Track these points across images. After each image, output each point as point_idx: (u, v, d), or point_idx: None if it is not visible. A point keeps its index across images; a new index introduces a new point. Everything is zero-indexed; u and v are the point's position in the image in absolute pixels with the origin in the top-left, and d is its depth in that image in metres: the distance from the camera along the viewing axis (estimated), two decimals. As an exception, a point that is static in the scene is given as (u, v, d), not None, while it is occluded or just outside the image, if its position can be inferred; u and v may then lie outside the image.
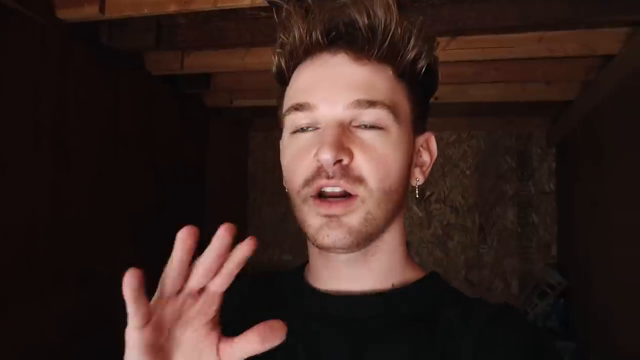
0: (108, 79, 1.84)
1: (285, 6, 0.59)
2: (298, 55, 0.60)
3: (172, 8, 1.43)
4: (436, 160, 0.66)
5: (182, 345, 0.46)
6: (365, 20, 0.56)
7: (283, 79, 0.63)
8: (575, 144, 2.59)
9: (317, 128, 0.58)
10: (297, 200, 0.58)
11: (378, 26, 0.56)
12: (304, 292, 0.64)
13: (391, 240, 0.61)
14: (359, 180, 0.55)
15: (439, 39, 0.63)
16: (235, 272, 0.44)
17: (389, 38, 0.56)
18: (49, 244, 1.52)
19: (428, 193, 3.14)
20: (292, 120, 0.59)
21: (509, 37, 1.69)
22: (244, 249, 0.43)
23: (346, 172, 0.55)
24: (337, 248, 0.55)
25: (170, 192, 2.27)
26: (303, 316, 0.61)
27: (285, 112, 0.60)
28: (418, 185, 0.64)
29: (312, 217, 0.56)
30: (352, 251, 0.57)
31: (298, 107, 0.58)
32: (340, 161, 0.54)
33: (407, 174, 0.61)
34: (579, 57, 1.83)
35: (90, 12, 1.47)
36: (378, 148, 0.56)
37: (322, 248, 0.56)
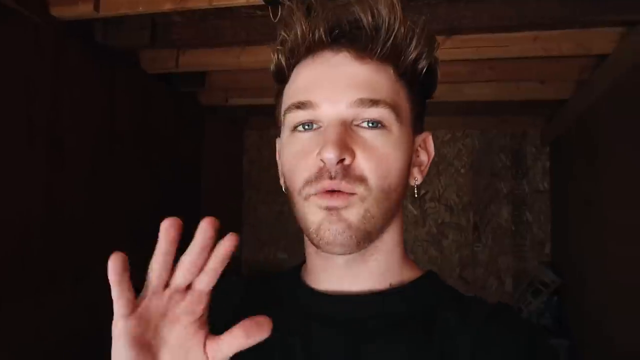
0: (103, 77, 1.83)
1: (288, 3, 0.58)
2: (299, 53, 0.59)
3: (167, 6, 1.43)
4: (433, 159, 0.67)
5: (169, 343, 0.46)
6: (370, 18, 0.56)
7: (282, 76, 0.62)
8: (570, 143, 2.60)
9: (318, 127, 0.57)
10: (297, 199, 0.58)
11: (382, 25, 0.56)
12: (302, 292, 0.64)
13: (389, 240, 0.62)
14: (360, 179, 0.55)
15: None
16: (220, 269, 0.44)
17: (392, 37, 0.56)
18: (44, 242, 1.51)
19: (423, 191, 3.15)
20: (292, 119, 0.58)
21: (504, 37, 1.70)
22: (226, 244, 0.43)
23: (347, 172, 0.54)
24: (337, 244, 0.55)
25: (166, 190, 2.27)
26: (301, 316, 0.61)
27: (286, 110, 0.59)
28: (413, 184, 0.64)
29: (313, 213, 0.56)
30: (352, 251, 0.56)
31: (299, 106, 0.57)
32: (342, 160, 0.54)
33: (407, 174, 0.61)
34: (573, 56, 1.84)
35: (85, 10, 1.46)
36: (379, 147, 0.56)
37: (323, 245, 0.56)
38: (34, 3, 1.44)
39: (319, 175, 0.55)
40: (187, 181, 2.55)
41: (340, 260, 0.59)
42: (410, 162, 0.61)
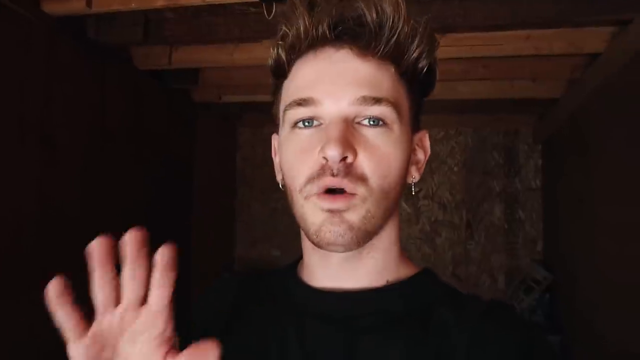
0: (95, 74, 1.82)
1: None
2: (301, 49, 0.59)
3: (160, 2, 1.42)
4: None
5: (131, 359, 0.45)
6: (374, 16, 0.56)
7: (281, 72, 0.62)
8: (561, 141, 2.62)
9: (319, 124, 0.57)
10: (298, 198, 0.57)
11: (386, 23, 0.56)
12: (298, 289, 0.64)
13: (386, 238, 0.62)
14: (362, 179, 0.55)
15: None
16: (166, 280, 0.43)
17: (395, 36, 0.56)
18: (36, 240, 1.51)
19: (416, 189, 3.15)
20: (293, 115, 0.58)
21: (497, 35, 1.71)
22: (162, 255, 0.43)
23: (349, 170, 0.54)
24: (338, 245, 0.55)
25: (158, 187, 2.26)
26: (297, 313, 0.61)
27: (287, 107, 0.59)
28: (411, 183, 0.64)
29: (314, 214, 0.56)
30: (351, 249, 0.56)
31: (301, 103, 0.57)
32: (345, 158, 0.54)
33: (405, 172, 0.61)
34: (565, 55, 1.85)
35: (77, 6, 1.45)
36: (381, 146, 0.56)
37: (323, 245, 0.56)
38: (26, -1, 1.43)
39: (321, 172, 0.55)
40: (179, 178, 2.55)
41: (337, 257, 0.59)
42: (409, 161, 0.61)
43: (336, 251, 0.56)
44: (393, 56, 0.57)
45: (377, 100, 0.55)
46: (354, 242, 0.55)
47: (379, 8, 0.56)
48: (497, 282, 3.07)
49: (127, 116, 2.03)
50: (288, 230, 3.12)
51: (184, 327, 0.63)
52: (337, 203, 0.54)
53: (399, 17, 0.55)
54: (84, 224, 1.73)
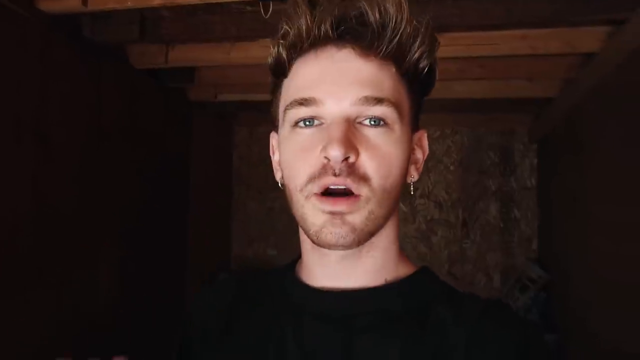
0: (91, 72, 1.81)
1: None
2: (302, 47, 0.58)
3: (156, 1, 1.42)
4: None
5: None
6: (377, 15, 0.55)
7: (281, 70, 0.61)
8: (556, 140, 2.63)
9: (320, 123, 0.57)
10: (298, 197, 0.57)
11: (388, 23, 0.55)
12: (296, 288, 0.64)
13: (386, 237, 0.62)
14: (364, 179, 0.55)
15: None
16: None
17: (398, 36, 0.56)
18: (32, 239, 1.50)
19: (413, 188, 3.15)
20: (294, 115, 0.57)
21: (493, 35, 1.71)
22: None
23: (352, 170, 0.54)
24: (340, 245, 0.55)
25: (154, 186, 2.25)
26: (295, 313, 0.61)
27: (287, 106, 0.58)
28: (410, 182, 0.64)
29: (315, 215, 0.55)
30: (352, 248, 0.56)
31: (302, 102, 0.56)
32: (347, 158, 0.54)
33: (405, 172, 0.61)
34: (560, 54, 1.86)
35: (72, 4, 1.45)
36: (382, 146, 0.56)
37: (324, 245, 0.56)
38: (21, -4, 1.43)
39: (322, 172, 0.55)
40: (175, 177, 2.54)
41: (336, 255, 0.59)
42: (409, 160, 0.61)
43: (337, 250, 0.57)
44: (395, 56, 0.57)
45: (378, 101, 0.55)
46: (355, 243, 0.55)
47: (382, 8, 0.55)
48: (492, 280, 3.07)
49: (123, 115, 2.02)
50: (284, 230, 3.12)
51: (180, 327, 0.63)
52: (339, 206, 0.54)
53: (402, 18, 0.55)
54: (80, 222, 1.73)
